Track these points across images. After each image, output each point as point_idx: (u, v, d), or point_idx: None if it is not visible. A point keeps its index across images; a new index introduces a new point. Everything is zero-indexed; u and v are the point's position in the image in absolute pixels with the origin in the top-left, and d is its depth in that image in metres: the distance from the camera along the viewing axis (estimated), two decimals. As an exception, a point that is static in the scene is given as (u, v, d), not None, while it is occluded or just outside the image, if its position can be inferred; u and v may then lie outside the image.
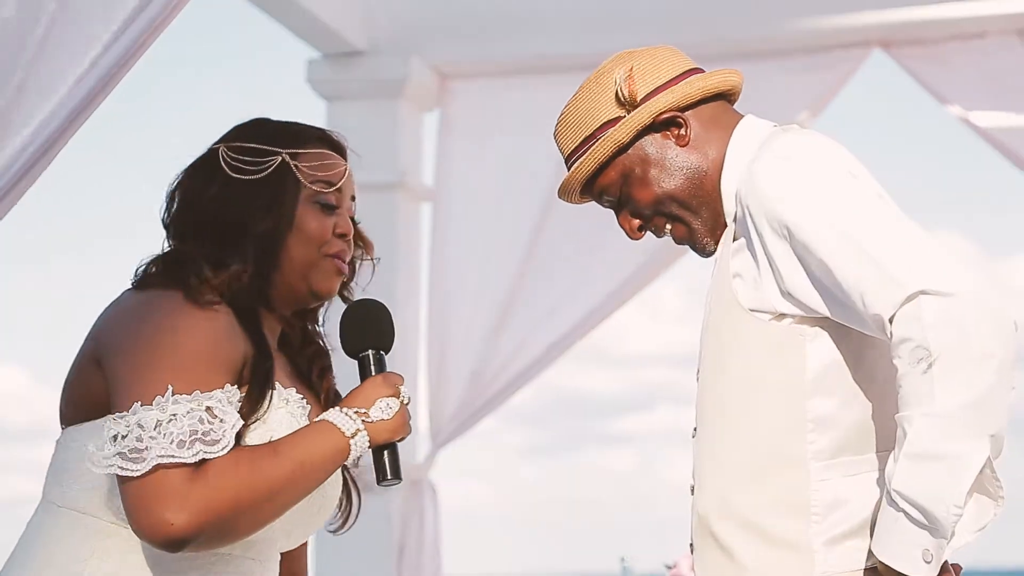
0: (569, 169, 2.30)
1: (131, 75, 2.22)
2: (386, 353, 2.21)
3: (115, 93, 2.21)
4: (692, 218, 2.24)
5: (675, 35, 5.28)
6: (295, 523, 2.16)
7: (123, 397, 1.98)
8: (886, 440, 2.08)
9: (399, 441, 2.14)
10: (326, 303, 2.30)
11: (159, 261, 2.16)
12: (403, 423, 2.13)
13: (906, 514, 1.94)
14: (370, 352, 2.19)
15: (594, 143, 2.25)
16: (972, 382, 1.91)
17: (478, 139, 5.58)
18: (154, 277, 2.12)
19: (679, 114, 2.23)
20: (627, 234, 2.30)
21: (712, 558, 2.12)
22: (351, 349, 2.20)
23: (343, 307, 2.28)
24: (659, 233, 2.28)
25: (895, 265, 1.96)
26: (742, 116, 2.28)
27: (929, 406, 1.92)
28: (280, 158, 2.18)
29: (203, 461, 1.96)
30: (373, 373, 2.17)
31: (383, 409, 2.11)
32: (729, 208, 2.21)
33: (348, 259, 2.25)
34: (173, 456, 1.93)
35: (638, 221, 2.28)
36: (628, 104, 2.22)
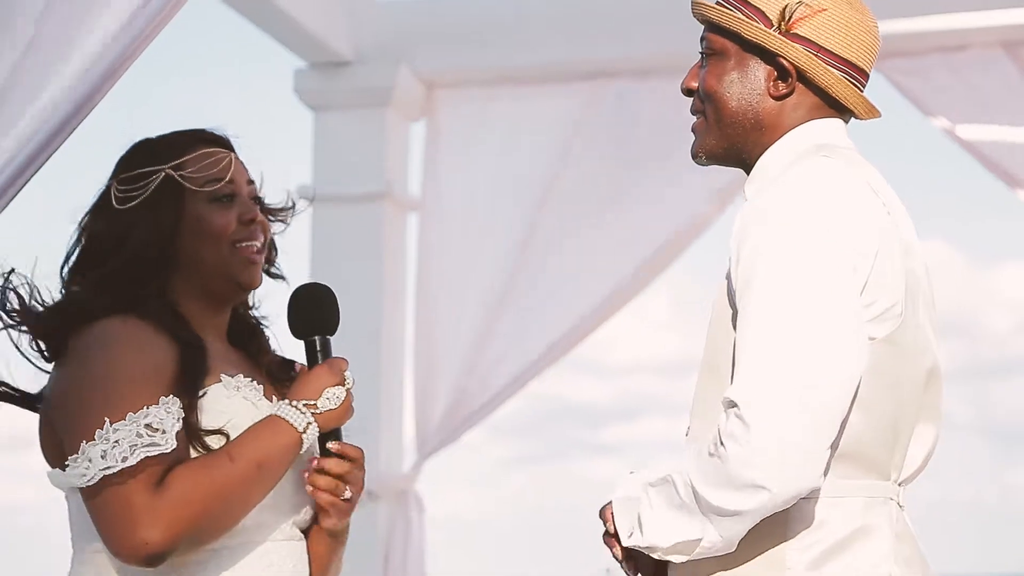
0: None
1: (117, 86, 2.22)
2: (331, 335, 2.29)
3: (101, 104, 2.21)
4: (714, 130, 2.25)
5: (663, 45, 5.30)
6: (280, 502, 2.21)
7: (72, 444, 2.08)
8: (874, 467, 2.10)
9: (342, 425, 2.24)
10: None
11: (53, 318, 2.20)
12: (347, 409, 2.23)
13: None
14: (316, 338, 2.27)
15: (735, 9, 2.22)
16: (731, 501, 1.97)
17: (465, 149, 5.58)
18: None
19: (794, 76, 2.20)
20: (681, 83, 2.30)
21: (690, 570, 2.12)
22: (297, 334, 2.29)
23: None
24: (692, 108, 2.29)
25: (747, 366, 1.98)
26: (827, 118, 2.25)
27: (695, 474, 2.00)
28: (163, 173, 2.25)
29: (164, 475, 2.05)
30: (319, 359, 2.25)
31: (330, 399, 2.20)
32: (751, 186, 2.22)
33: (261, 243, 2.32)
34: (115, 466, 2.03)
35: (695, 85, 2.28)
36: (781, 25, 2.19)
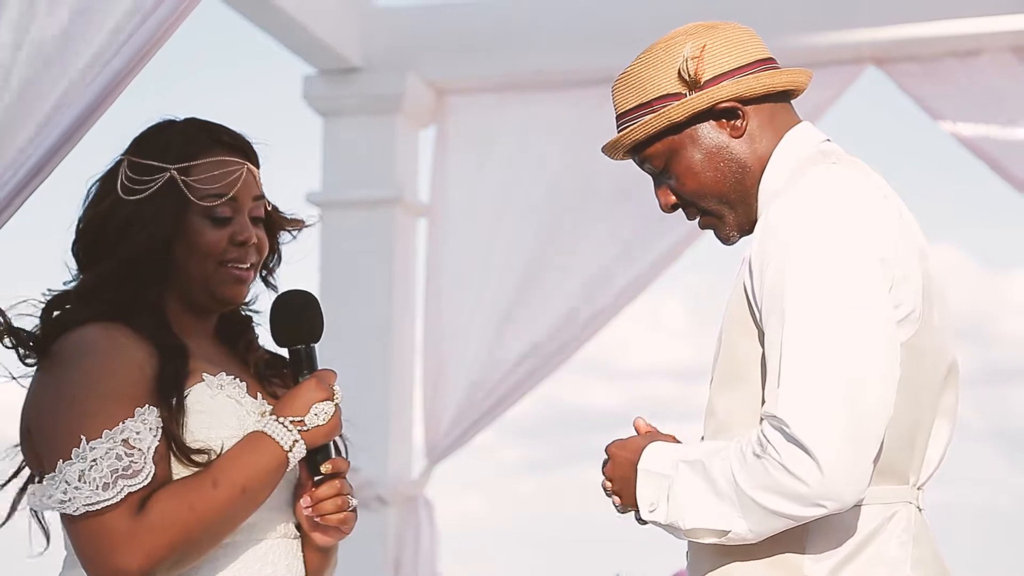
0: (619, 129, 2.25)
1: (125, 91, 2.22)
2: (315, 343, 2.22)
3: (109, 109, 2.21)
4: (727, 212, 2.22)
5: (671, 51, 5.31)
6: (276, 501, 2.17)
7: (49, 461, 2.03)
8: (892, 472, 2.09)
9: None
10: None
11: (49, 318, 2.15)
12: (336, 425, 2.16)
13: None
14: (300, 347, 2.20)
15: (648, 113, 2.20)
16: (780, 505, 1.97)
17: (474, 154, 5.59)
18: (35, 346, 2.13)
19: (740, 106, 2.18)
20: (660, 206, 2.27)
21: (708, 562, 2.13)
22: (280, 342, 2.22)
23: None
24: (689, 216, 2.27)
25: (790, 384, 1.97)
26: (798, 121, 2.24)
27: (739, 472, 1.99)
28: (168, 174, 2.16)
29: (144, 500, 2.00)
30: (304, 369, 2.19)
31: (318, 415, 2.13)
32: (762, 211, 2.18)
33: (251, 262, 2.22)
34: (100, 501, 1.98)
35: (674, 199, 2.25)
36: (691, 84, 2.17)
